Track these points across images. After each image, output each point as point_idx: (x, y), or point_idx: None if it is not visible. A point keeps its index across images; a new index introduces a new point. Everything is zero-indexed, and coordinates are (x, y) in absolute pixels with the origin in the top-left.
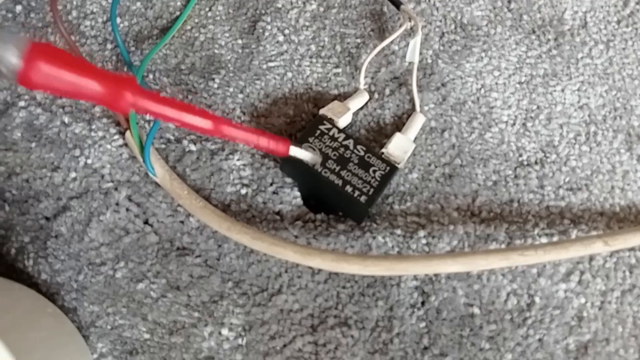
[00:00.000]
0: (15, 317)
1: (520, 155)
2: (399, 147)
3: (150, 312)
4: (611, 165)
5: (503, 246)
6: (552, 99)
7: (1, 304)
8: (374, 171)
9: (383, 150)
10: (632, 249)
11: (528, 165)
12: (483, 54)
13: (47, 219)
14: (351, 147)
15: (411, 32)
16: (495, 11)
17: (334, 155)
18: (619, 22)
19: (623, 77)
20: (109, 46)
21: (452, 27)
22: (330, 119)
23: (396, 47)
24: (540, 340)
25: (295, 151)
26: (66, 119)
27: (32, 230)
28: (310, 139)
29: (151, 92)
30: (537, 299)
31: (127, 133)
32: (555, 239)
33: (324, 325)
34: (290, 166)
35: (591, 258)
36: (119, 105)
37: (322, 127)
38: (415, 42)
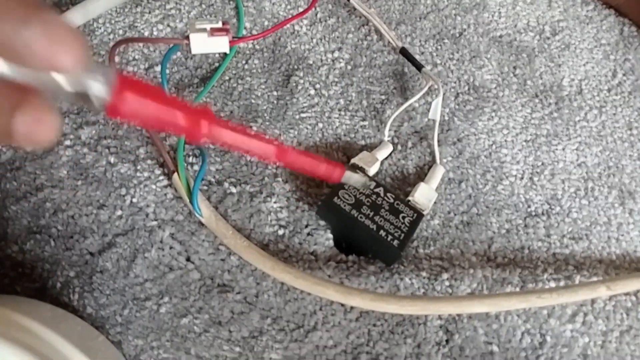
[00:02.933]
0: (73, 345)
1: (529, 207)
2: (424, 195)
3: (194, 346)
4: (607, 217)
5: (517, 289)
6: (554, 157)
7: (61, 331)
8: (403, 217)
9: (409, 198)
10: (628, 294)
11: (536, 215)
12: (493, 114)
13: (92, 254)
14: (382, 194)
15: (429, 92)
16: (503, 75)
17: (367, 201)
18: (609, 90)
19: (614, 139)
20: None
21: (466, 88)
22: (361, 167)
23: (417, 105)
24: None
25: (349, 175)
26: (112, 159)
27: (77, 265)
28: (345, 186)
29: (225, 121)
30: (548, 338)
31: (175, 175)
32: (561, 283)
33: None
34: (327, 210)
35: (593, 301)
36: (196, 134)
37: None
38: (438, 102)
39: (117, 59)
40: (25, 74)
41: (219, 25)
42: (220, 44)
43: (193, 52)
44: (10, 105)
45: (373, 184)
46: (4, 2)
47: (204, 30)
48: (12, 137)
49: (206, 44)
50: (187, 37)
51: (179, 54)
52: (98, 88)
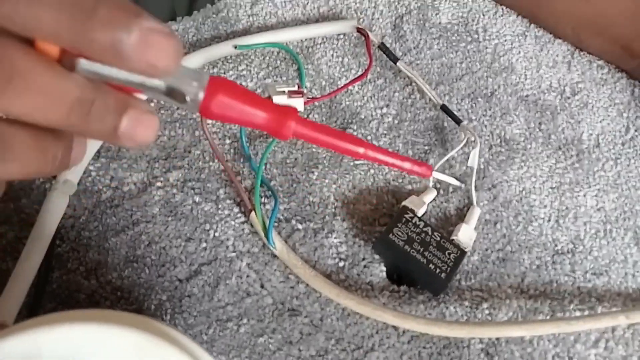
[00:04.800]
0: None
1: (556, 245)
2: (465, 235)
3: None
4: (624, 256)
5: (547, 317)
6: (577, 202)
7: (177, 337)
8: (449, 254)
9: (453, 237)
10: None
11: (562, 253)
12: (522, 164)
13: (181, 281)
14: (430, 233)
15: (466, 143)
16: (530, 130)
17: (418, 239)
18: (623, 144)
19: (629, 187)
20: (227, 141)
21: (498, 141)
22: (411, 209)
23: (456, 155)
24: None
25: (439, 175)
26: (197, 199)
27: (168, 290)
28: (399, 224)
29: (310, 121)
30: None
31: (252, 213)
32: (586, 313)
33: None
34: (383, 245)
35: (614, 329)
36: (282, 132)
37: (406, 216)
38: (475, 152)
39: None
40: (129, 77)
41: (295, 88)
42: (297, 105)
43: None
44: (117, 107)
45: (422, 223)
46: (108, 10)
47: (284, 92)
48: (117, 137)
49: (285, 104)
50: (269, 99)
51: None
52: (193, 90)
